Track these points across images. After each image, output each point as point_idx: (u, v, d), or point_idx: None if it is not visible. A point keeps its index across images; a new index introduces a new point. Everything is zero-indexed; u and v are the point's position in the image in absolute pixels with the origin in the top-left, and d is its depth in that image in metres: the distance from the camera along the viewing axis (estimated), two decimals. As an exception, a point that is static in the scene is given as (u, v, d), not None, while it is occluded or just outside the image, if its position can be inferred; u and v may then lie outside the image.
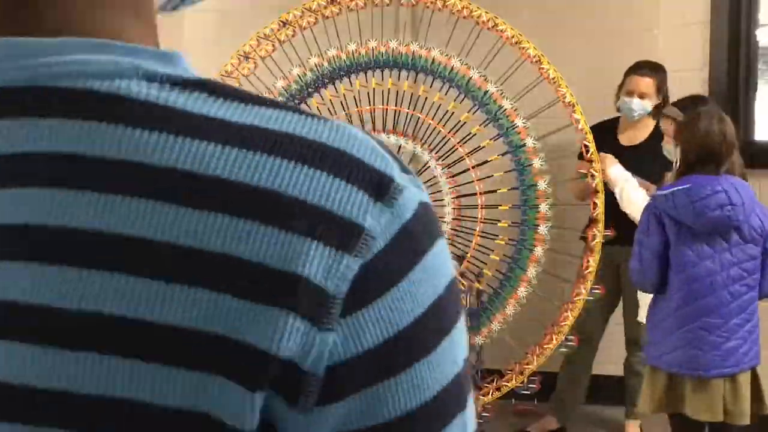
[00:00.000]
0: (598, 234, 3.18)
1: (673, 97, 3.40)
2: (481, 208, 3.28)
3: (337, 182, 0.40)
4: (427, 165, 3.34)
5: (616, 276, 3.51)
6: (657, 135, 3.41)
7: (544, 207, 3.24)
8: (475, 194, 3.30)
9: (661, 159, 3.17)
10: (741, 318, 2.58)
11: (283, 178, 0.40)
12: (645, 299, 2.85)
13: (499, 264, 3.34)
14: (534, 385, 3.29)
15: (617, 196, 3.25)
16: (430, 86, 3.38)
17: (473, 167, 3.31)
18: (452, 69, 3.31)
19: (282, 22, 3.55)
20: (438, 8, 3.30)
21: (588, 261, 3.20)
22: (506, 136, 3.29)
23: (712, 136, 2.57)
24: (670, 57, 3.75)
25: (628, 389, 3.65)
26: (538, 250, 3.26)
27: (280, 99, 3.54)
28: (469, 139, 3.34)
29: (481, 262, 3.35)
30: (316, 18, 3.52)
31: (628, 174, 3.24)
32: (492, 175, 3.33)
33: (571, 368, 3.73)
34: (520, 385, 3.29)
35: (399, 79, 3.44)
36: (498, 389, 3.33)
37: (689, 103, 3.01)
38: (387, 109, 3.42)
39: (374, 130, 3.45)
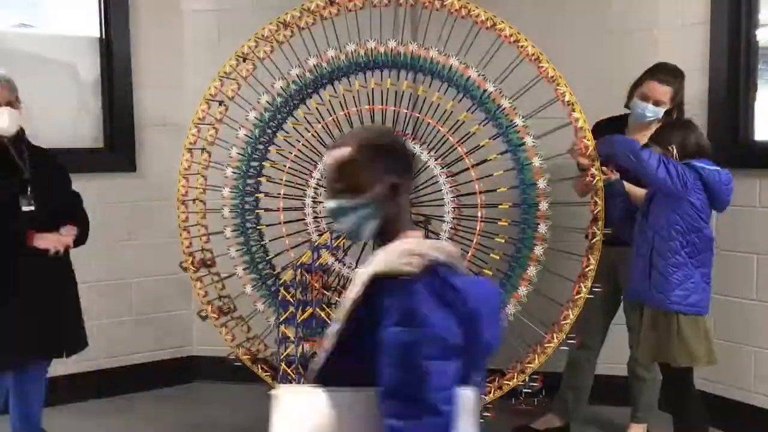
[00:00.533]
0: (598, 232, 3.18)
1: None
2: (481, 207, 3.28)
3: None
4: (427, 165, 3.34)
5: (614, 276, 3.50)
6: None
7: (544, 206, 3.23)
8: (475, 193, 3.29)
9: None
10: None
11: None
12: None
13: (499, 263, 3.34)
14: (536, 384, 3.29)
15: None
16: (429, 86, 3.38)
17: (473, 166, 3.31)
18: (451, 68, 3.30)
19: (281, 22, 3.55)
20: (436, 8, 3.29)
21: (589, 259, 3.19)
22: (505, 135, 3.29)
23: None
24: (670, 57, 3.74)
25: (632, 393, 3.65)
26: (539, 249, 3.26)
27: (278, 100, 3.56)
28: (468, 139, 3.34)
29: (482, 261, 3.35)
30: (314, 19, 3.52)
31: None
32: (491, 174, 3.32)
33: (574, 370, 3.73)
34: (522, 383, 3.29)
35: (398, 79, 3.44)
36: (500, 388, 3.33)
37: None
38: (386, 109, 3.41)
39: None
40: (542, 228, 3.25)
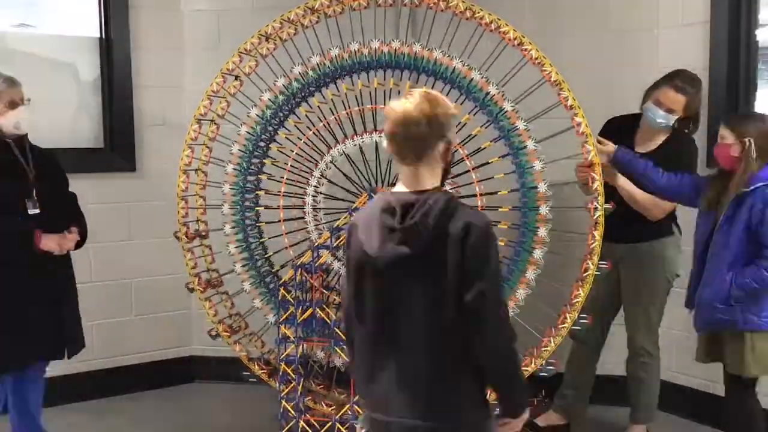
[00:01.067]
0: (600, 207, 3.16)
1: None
2: (481, 209, 3.28)
3: None
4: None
5: (617, 275, 3.50)
6: (670, 143, 3.40)
7: (544, 209, 3.23)
8: (475, 196, 3.29)
9: (671, 166, 3.17)
10: None
11: None
12: None
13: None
14: (553, 367, 3.29)
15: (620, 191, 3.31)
16: (432, 87, 3.37)
17: (473, 169, 3.31)
18: (454, 70, 3.30)
19: (284, 20, 3.55)
20: (440, 9, 3.29)
21: (593, 236, 3.17)
22: (507, 138, 3.29)
23: None
24: (670, 57, 3.75)
25: (632, 393, 3.64)
26: (538, 253, 3.26)
27: (280, 97, 3.57)
28: (469, 141, 3.34)
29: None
30: (318, 17, 3.52)
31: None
32: (492, 177, 3.32)
33: (575, 368, 3.73)
34: (540, 368, 3.27)
35: (401, 79, 3.44)
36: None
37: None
38: (387, 109, 3.41)
39: (375, 130, 3.45)
40: (542, 231, 3.25)
